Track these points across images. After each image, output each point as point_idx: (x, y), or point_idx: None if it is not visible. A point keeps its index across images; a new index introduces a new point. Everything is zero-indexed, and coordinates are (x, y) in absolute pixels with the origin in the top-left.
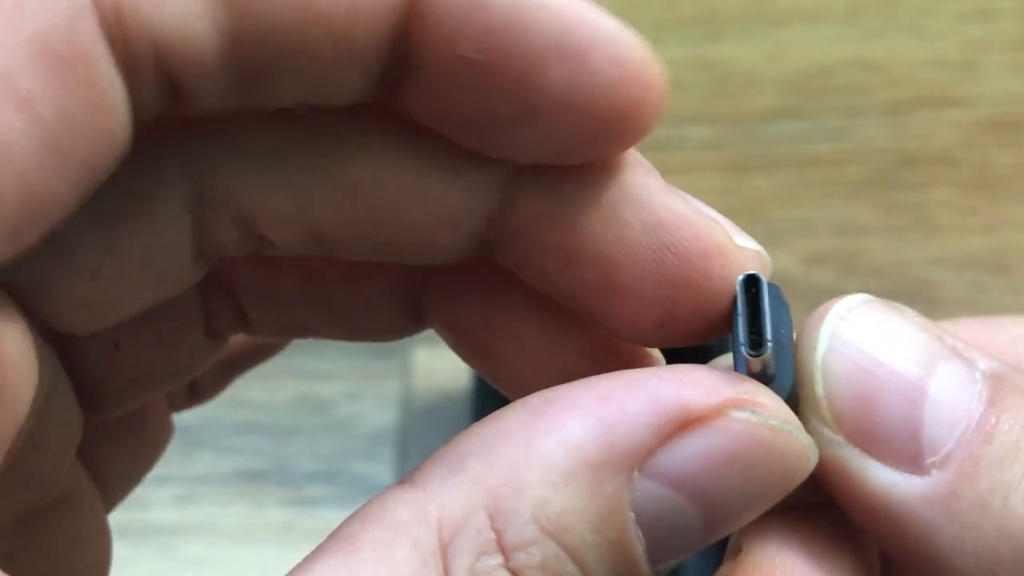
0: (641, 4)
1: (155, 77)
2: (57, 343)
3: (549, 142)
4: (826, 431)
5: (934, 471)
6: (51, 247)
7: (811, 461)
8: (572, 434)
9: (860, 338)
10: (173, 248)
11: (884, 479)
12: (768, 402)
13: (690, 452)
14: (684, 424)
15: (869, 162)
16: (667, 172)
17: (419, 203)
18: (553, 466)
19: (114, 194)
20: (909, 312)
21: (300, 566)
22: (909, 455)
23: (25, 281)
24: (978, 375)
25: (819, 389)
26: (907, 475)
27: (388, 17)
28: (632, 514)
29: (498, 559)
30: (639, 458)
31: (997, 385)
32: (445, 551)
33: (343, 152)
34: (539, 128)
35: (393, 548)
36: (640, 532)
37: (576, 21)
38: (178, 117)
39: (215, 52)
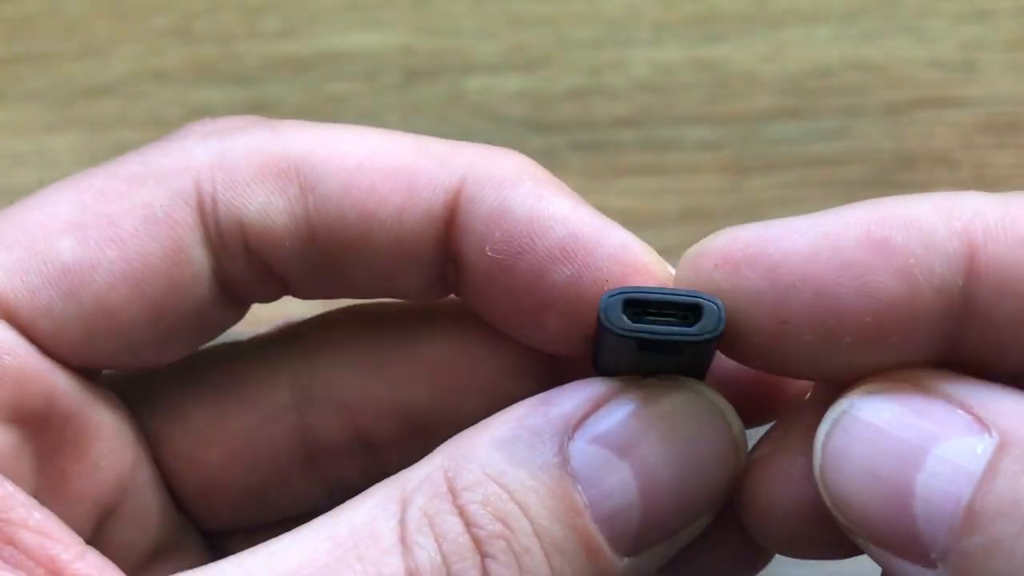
0: (641, 4)
1: (243, 253)
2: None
3: (574, 330)
4: (850, 532)
5: (940, 564)
6: (172, 406)
7: (733, 428)
8: (516, 411)
9: (846, 448)
10: (276, 443)
11: (907, 571)
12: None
13: (616, 413)
14: (612, 393)
15: (869, 162)
16: (667, 172)
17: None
18: (499, 432)
19: (231, 383)
20: (928, 380)
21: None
22: (915, 550)
23: (148, 421)
24: (980, 449)
25: (827, 501)
26: (922, 567)
27: (431, 221)
28: (569, 469)
29: (448, 497)
30: (573, 421)
31: (998, 455)
32: (407, 499)
33: (423, 341)
34: (560, 318)
35: (360, 502)
36: (580, 487)
37: (582, 228)
38: (285, 330)
39: (293, 239)
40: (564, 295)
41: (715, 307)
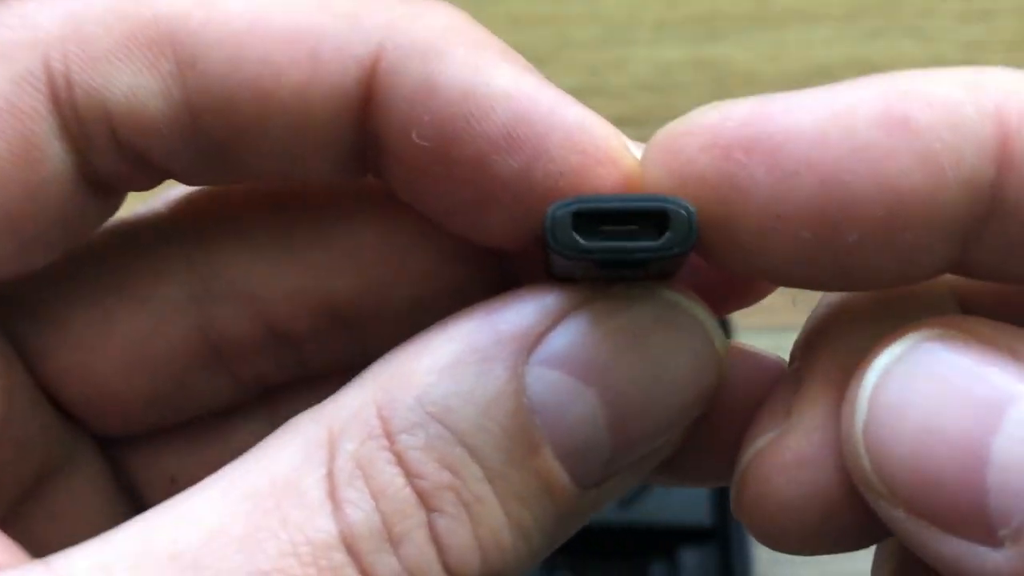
0: (641, 4)
1: (111, 144)
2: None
3: (523, 227)
4: (883, 504)
5: (1008, 543)
6: (49, 315)
7: (715, 340)
8: (459, 328)
9: (904, 401)
10: (174, 342)
11: (957, 551)
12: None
13: (578, 331)
14: (572, 306)
15: None
16: None
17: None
18: (440, 356)
19: (116, 280)
20: (989, 332)
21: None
22: (979, 527)
23: (24, 335)
24: None
25: (865, 464)
26: (980, 547)
27: (344, 103)
28: (526, 399)
29: (382, 442)
30: (527, 341)
31: None
32: (334, 441)
33: (345, 223)
34: (505, 213)
35: (283, 444)
36: (539, 420)
37: (530, 108)
38: (178, 213)
39: (172, 124)
40: (509, 188)
41: (684, 214)
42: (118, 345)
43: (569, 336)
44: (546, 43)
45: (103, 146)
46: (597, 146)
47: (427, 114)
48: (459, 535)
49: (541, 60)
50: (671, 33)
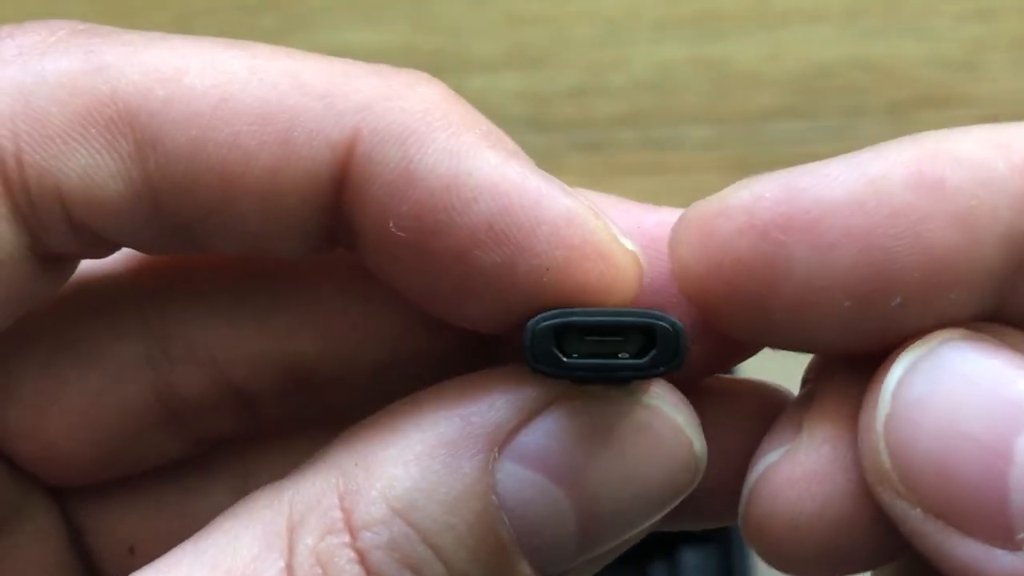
0: (641, 3)
1: (64, 224)
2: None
3: (503, 317)
4: (900, 504)
5: None
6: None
7: (694, 444)
8: (429, 415)
9: (929, 396)
10: (128, 402)
11: (972, 554)
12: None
13: (550, 430)
14: (546, 403)
15: None
16: (667, 172)
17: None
18: (407, 445)
19: (69, 340)
20: (1012, 337)
21: (167, 554)
22: (998, 529)
23: None
24: None
25: (885, 460)
26: (997, 550)
27: (316, 189)
28: (495, 498)
29: (344, 538)
30: (498, 437)
31: None
32: (294, 530)
33: (310, 287)
34: (486, 305)
35: (241, 530)
36: (507, 519)
37: (515, 201)
38: (134, 271)
39: (131, 205)
40: (491, 282)
41: (671, 330)
42: (69, 405)
43: (542, 435)
44: (546, 42)
45: (56, 226)
46: (585, 240)
47: (405, 204)
48: None
49: (541, 59)
50: (671, 32)
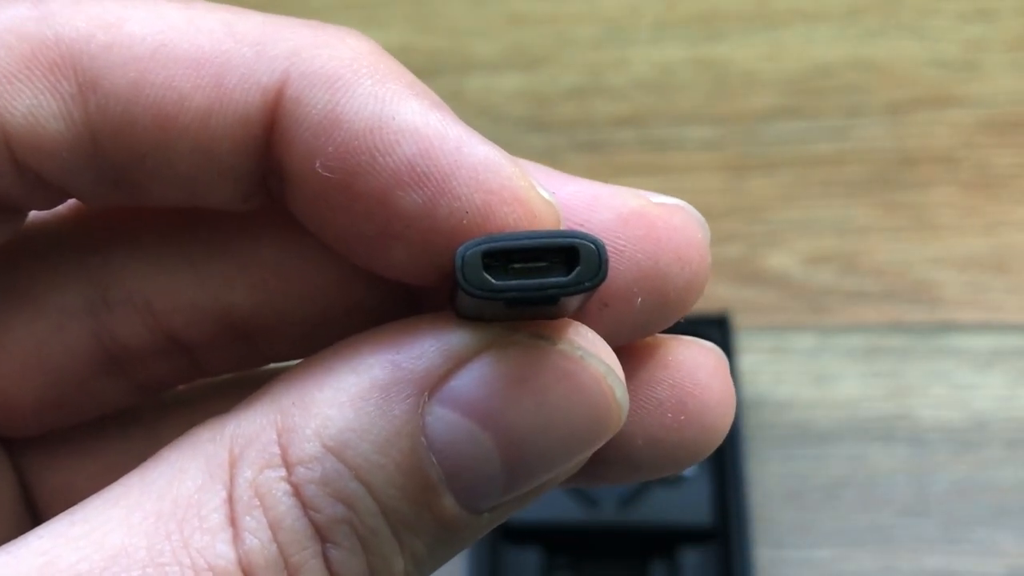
0: (641, 3)
1: (10, 167)
2: None
3: (426, 264)
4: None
5: None
6: None
7: (615, 393)
8: (363, 359)
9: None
10: (70, 348)
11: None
12: (569, 331)
13: (479, 376)
14: (476, 350)
15: (869, 162)
16: (667, 172)
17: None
18: (342, 387)
19: (10, 287)
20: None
21: (114, 484)
22: None
23: None
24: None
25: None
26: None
27: (247, 131)
28: (424, 439)
29: (280, 472)
30: (428, 382)
31: None
32: (234, 464)
33: (245, 239)
34: (409, 249)
35: (186, 462)
36: (436, 460)
37: (436, 145)
38: (76, 220)
39: (72, 147)
40: (413, 225)
41: (593, 247)
42: (14, 351)
43: (469, 381)
44: (546, 42)
45: (2, 168)
46: (503, 185)
47: (331, 145)
48: (352, 566)
49: (541, 59)
50: (671, 32)
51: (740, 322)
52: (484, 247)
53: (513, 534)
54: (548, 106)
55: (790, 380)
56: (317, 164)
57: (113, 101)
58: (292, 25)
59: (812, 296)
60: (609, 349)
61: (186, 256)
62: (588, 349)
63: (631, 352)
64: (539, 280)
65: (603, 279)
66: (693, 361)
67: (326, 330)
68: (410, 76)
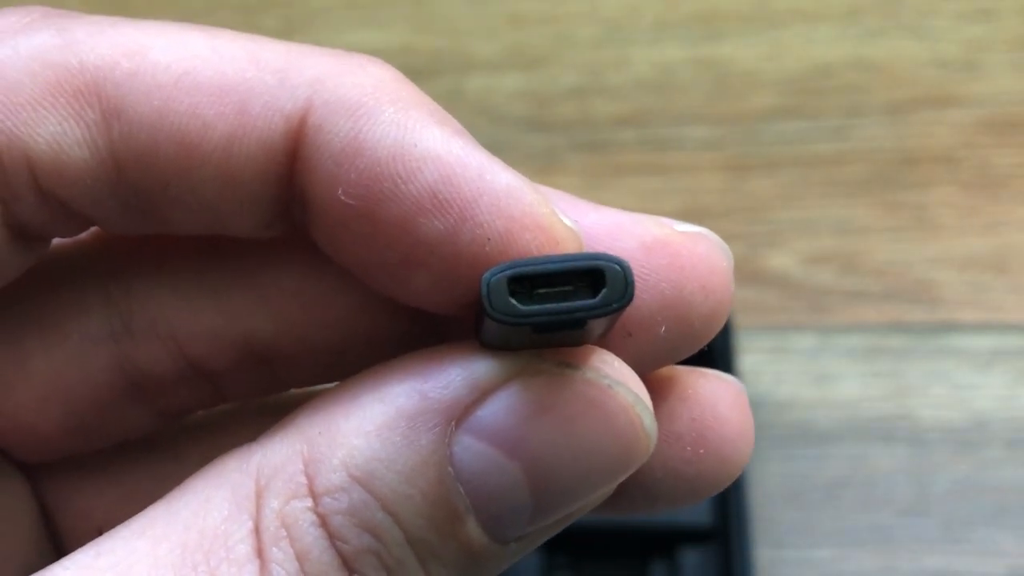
0: (641, 3)
1: (33, 193)
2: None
3: (449, 292)
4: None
5: None
6: None
7: (644, 422)
8: (390, 388)
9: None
10: (92, 375)
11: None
12: (594, 360)
13: (506, 406)
14: (502, 380)
15: (870, 162)
16: (667, 172)
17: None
18: (368, 417)
19: (34, 315)
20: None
21: (140, 514)
22: None
23: None
24: None
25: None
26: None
27: (270, 158)
28: (451, 469)
29: (307, 503)
30: (455, 411)
31: None
32: (261, 494)
33: (266, 267)
34: (431, 277)
35: (212, 492)
36: (463, 489)
37: (458, 171)
38: (98, 248)
39: (96, 174)
40: (435, 252)
41: (619, 269)
42: (36, 378)
43: (497, 411)
44: (546, 42)
45: (25, 194)
46: (525, 212)
47: (353, 172)
48: None
49: (541, 59)
50: (671, 32)
51: (740, 322)
52: (509, 273)
53: None
54: (548, 106)
55: (790, 380)
56: (339, 192)
57: (137, 129)
58: (315, 53)
59: (812, 296)
60: (637, 377)
61: (208, 284)
62: (616, 377)
63: (650, 384)
64: (566, 304)
65: (630, 300)
66: (713, 394)
67: (349, 357)
68: (432, 104)
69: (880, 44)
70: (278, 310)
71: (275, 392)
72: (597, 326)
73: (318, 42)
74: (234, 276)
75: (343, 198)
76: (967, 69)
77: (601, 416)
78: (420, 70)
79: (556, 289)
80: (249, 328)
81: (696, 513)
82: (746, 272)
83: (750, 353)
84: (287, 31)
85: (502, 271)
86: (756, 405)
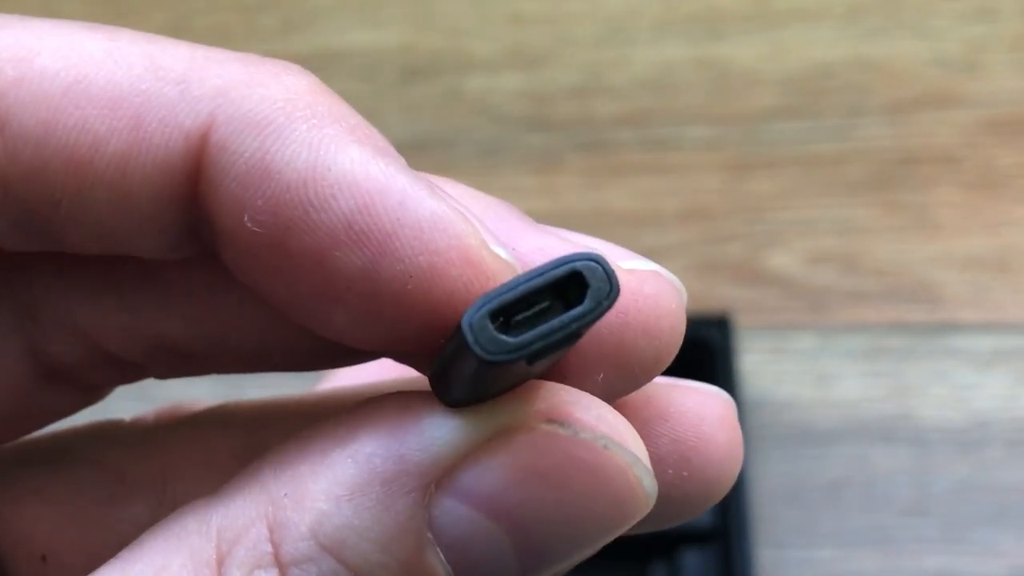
0: (642, 3)
1: None
2: None
3: (370, 330)
4: None
5: None
6: None
7: (643, 483)
8: (363, 446)
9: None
10: (5, 363)
11: None
12: (585, 416)
13: (493, 468)
14: (488, 439)
15: (870, 162)
16: (667, 172)
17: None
18: (339, 479)
19: None
20: None
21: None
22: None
23: None
24: None
25: None
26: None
27: (168, 179)
28: (430, 535)
29: (272, 573)
30: (435, 473)
31: None
32: (222, 562)
33: (175, 275)
34: (351, 313)
35: (170, 557)
36: (443, 557)
37: (377, 200)
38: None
39: None
40: (354, 288)
41: (596, 265)
42: None
43: (482, 473)
44: (546, 42)
45: None
46: (450, 244)
47: (260, 198)
48: None
49: (541, 59)
50: (671, 32)
51: (741, 322)
52: (488, 307)
53: None
54: (548, 106)
55: (791, 380)
56: (245, 218)
57: (23, 144)
58: (223, 60)
59: (813, 296)
60: (633, 431)
61: (113, 284)
62: (612, 436)
63: (625, 402)
64: (559, 319)
65: (618, 293)
66: (696, 412)
67: (275, 358)
68: (355, 118)
69: (881, 44)
70: (190, 316)
71: (204, 374)
72: (557, 355)
73: (317, 42)
74: (141, 278)
75: (250, 226)
76: (968, 69)
77: (596, 480)
78: (419, 69)
79: (534, 311)
80: (159, 329)
81: None
82: (746, 272)
83: (750, 353)
84: (287, 31)
85: (479, 309)
86: (756, 405)
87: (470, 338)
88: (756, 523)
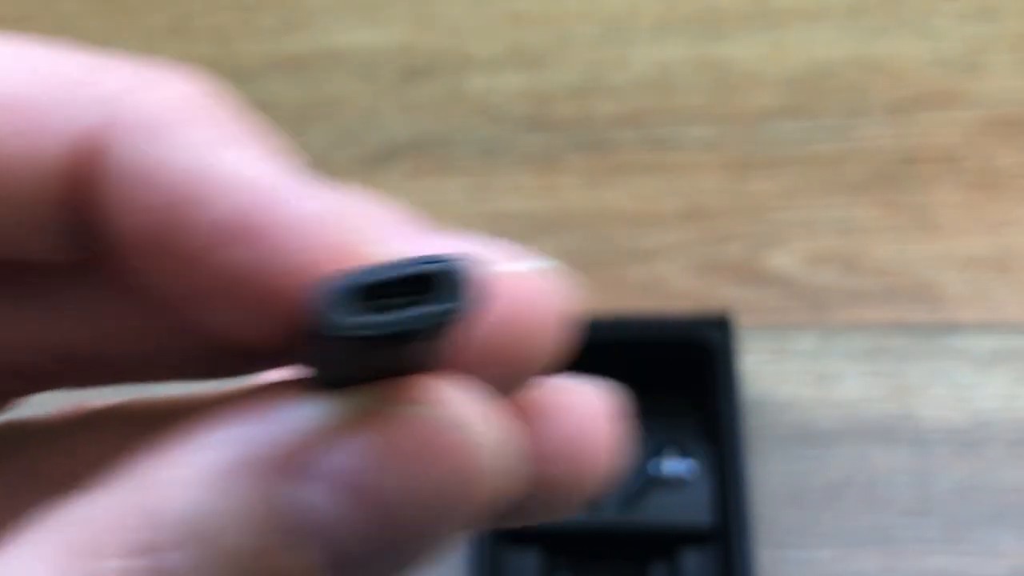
0: (642, 2)
1: None
2: None
3: (259, 328)
4: None
5: None
6: None
7: (490, 465)
8: (228, 431)
9: None
10: None
11: None
12: (443, 398)
13: (348, 449)
14: (342, 422)
15: (871, 161)
16: (667, 172)
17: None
18: (206, 463)
19: None
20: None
21: None
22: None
23: None
24: None
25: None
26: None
27: (53, 183)
28: (287, 518)
29: (144, 560)
30: (295, 458)
31: None
32: (98, 551)
33: (68, 282)
34: (236, 312)
35: (43, 547)
36: (303, 538)
37: (260, 197)
38: None
39: None
40: (235, 287)
41: (451, 269)
42: None
43: (339, 455)
44: (546, 41)
45: None
46: (330, 244)
47: (144, 199)
48: None
49: (541, 59)
50: (671, 32)
51: (741, 322)
52: (344, 286)
53: (512, 536)
54: (548, 106)
55: (791, 380)
56: (130, 220)
57: None
58: (113, 65)
59: (813, 296)
60: (486, 413)
61: (7, 292)
62: (460, 415)
63: (514, 400)
64: (401, 314)
65: (463, 307)
66: (568, 411)
67: (171, 360)
68: (245, 122)
69: (881, 43)
70: (87, 322)
71: (112, 384)
72: (430, 348)
73: (317, 42)
74: (35, 285)
75: (134, 227)
76: (969, 69)
77: (445, 459)
78: (419, 69)
79: (403, 301)
80: (61, 338)
81: (696, 514)
82: (747, 272)
83: (751, 353)
84: (286, 31)
85: (330, 285)
86: (757, 405)
87: (321, 310)
88: (756, 523)
